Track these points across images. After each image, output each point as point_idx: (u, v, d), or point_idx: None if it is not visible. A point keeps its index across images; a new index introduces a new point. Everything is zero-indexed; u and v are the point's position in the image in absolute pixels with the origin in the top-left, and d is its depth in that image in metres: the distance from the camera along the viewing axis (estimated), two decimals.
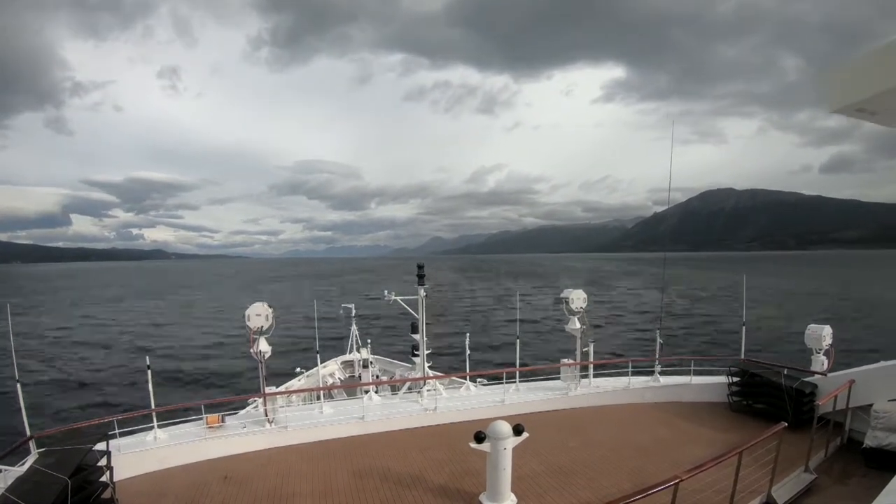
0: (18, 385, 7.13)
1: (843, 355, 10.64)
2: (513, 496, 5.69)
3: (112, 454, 6.10)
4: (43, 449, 6.08)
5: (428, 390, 9.96)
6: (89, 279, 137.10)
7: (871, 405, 7.01)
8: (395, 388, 12.74)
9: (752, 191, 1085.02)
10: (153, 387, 7.81)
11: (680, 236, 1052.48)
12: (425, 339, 11.09)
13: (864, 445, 6.88)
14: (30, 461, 6.18)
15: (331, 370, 15.65)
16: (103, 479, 5.82)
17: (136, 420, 7.72)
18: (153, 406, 7.68)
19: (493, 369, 16.49)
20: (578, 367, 10.29)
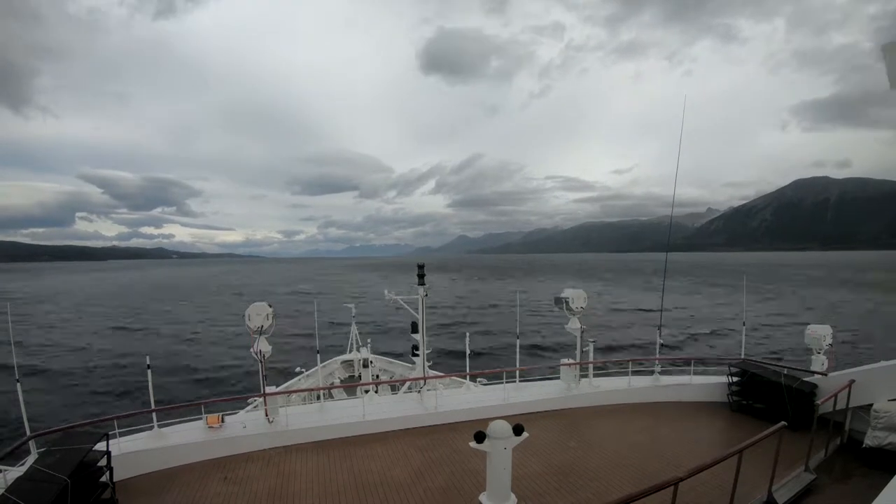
0: (18, 385, 7.14)
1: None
2: (513, 496, 5.68)
3: (112, 454, 6.10)
4: (43, 449, 6.08)
5: (428, 390, 9.97)
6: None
7: (871, 405, 7.03)
8: (395, 388, 12.75)
9: (859, 179, 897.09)
10: (152, 386, 7.82)
11: (776, 232, 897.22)
12: (425, 338, 11.09)
13: (865, 445, 6.89)
14: (30, 461, 6.20)
15: (331, 370, 15.67)
16: (103, 479, 5.83)
17: (136, 420, 7.72)
18: (153, 406, 7.69)
19: (493, 369, 16.49)
20: (578, 366, 10.30)
